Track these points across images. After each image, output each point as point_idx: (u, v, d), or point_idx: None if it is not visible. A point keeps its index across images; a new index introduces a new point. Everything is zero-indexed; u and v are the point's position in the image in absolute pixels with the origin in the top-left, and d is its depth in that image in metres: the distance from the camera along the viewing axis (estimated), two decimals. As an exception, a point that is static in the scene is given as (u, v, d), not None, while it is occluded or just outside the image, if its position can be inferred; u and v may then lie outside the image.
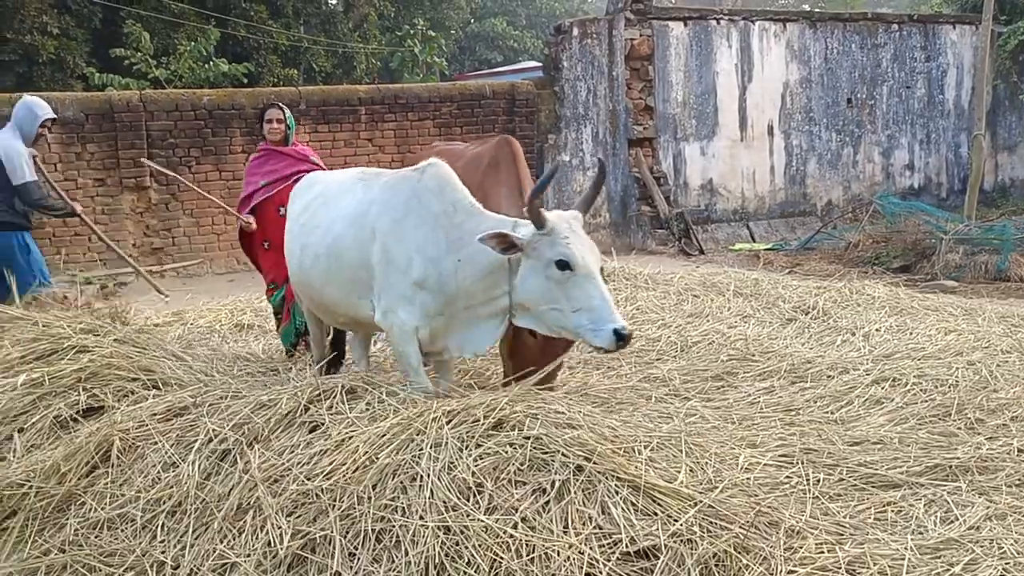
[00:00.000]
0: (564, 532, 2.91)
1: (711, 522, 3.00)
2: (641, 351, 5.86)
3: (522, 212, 3.82)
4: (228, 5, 19.16)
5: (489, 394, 3.55)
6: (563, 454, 3.14)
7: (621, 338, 3.48)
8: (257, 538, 3.10)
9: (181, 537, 3.23)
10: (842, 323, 6.43)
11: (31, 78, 16.73)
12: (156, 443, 3.62)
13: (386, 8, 24.41)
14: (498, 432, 3.26)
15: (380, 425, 3.40)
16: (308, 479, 3.23)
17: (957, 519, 3.38)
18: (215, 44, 16.37)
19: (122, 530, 3.34)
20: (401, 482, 3.11)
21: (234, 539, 3.14)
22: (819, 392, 4.91)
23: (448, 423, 3.31)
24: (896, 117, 14.55)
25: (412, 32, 21.42)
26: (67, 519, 3.45)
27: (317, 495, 3.16)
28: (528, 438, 3.20)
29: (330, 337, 5.07)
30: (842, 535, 3.21)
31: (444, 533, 2.91)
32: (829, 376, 5.18)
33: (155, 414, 3.81)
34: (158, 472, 3.50)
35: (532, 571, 2.81)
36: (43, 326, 4.73)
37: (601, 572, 2.82)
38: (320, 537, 3.03)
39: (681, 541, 2.91)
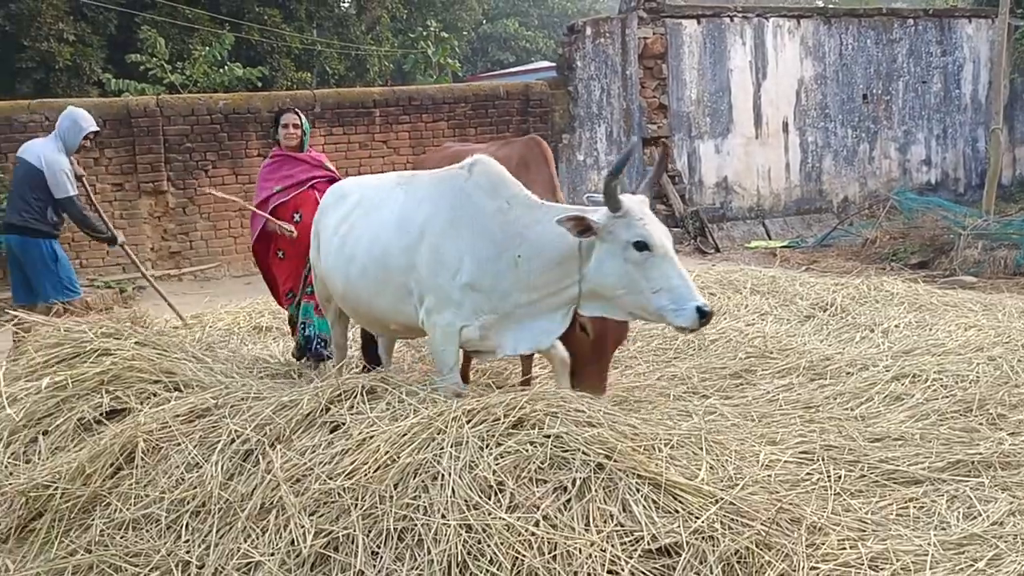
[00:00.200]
0: (586, 530, 2.92)
1: (732, 519, 3.00)
2: (659, 349, 5.86)
3: None
4: (242, 9, 19.27)
5: (508, 393, 3.56)
6: (584, 452, 3.14)
7: (703, 315, 3.44)
8: (280, 537, 3.13)
9: (205, 537, 3.26)
10: (861, 320, 6.41)
11: (48, 85, 16.88)
12: (179, 444, 3.66)
13: (398, 10, 24.50)
14: (518, 431, 3.27)
15: (401, 424, 3.42)
16: (330, 478, 3.25)
17: (980, 515, 3.36)
18: (229, 48, 16.44)
19: (147, 530, 3.37)
20: (423, 481, 3.12)
21: (258, 538, 3.17)
22: (839, 389, 4.90)
23: (468, 422, 3.32)
24: (912, 112, 14.47)
25: (425, 34, 21.45)
26: (93, 520, 3.49)
27: (339, 494, 3.18)
28: (548, 436, 3.21)
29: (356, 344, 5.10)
30: (864, 531, 3.21)
31: (466, 531, 2.93)
32: (848, 373, 5.16)
33: (178, 415, 3.84)
34: (182, 473, 3.53)
35: (554, 569, 2.82)
36: (65, 330, 4.77)
37: (623, 570, 2.82)
38: (343, 536, 3.05)
39: (702, 538, 2.91)
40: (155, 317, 5.68)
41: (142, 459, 3.65)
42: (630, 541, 2.91)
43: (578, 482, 3.06)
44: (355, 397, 3.77)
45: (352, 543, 3.02)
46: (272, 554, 3.09)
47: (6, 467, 3.91)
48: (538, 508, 2.98)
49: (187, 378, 4.40)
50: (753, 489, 3.23)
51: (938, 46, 14.53)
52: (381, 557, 2.97)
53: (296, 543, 3.08)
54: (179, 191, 10.70)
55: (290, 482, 3.32)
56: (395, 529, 3.01)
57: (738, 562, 2.90)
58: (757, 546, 2.92)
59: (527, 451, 3.16)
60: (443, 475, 3.10)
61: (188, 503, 3.40)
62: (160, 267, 10.59)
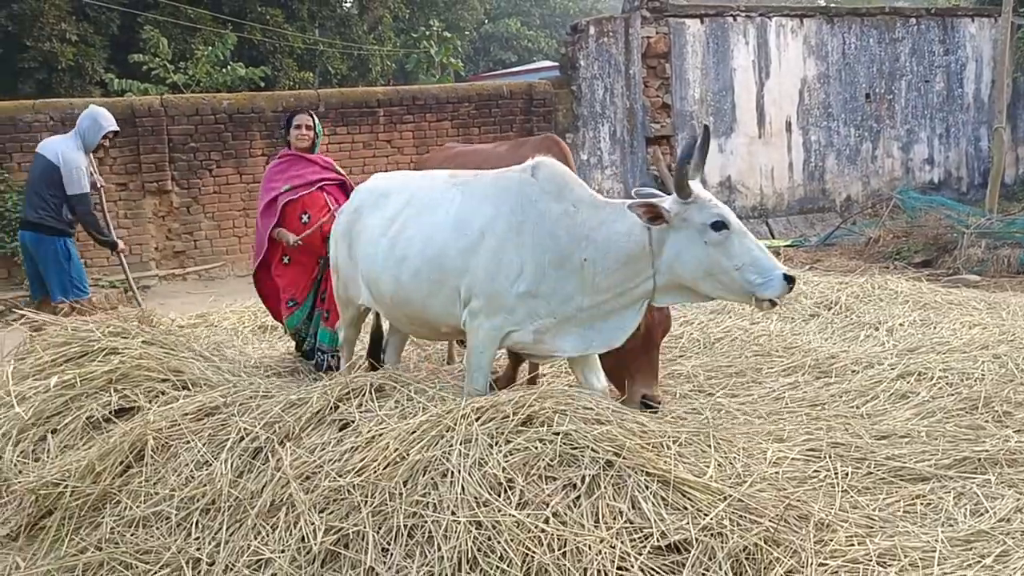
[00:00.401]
0: (595, 526, 2.93)
1: (741, 516, 3.01)
2: (665, 348, 5.86)
3: None
4: (244, 9, 19.30)
5: (518, 391, 3.57)
6: (592, 449, 3.16)
7: (790, 281, 3.44)
8: (291, 534, 3.14)
9: (215, 534, 3.28)
10: (865, 318, 6.42)
11: (51, 85, 16.91)
12: (189, 442, 3.67)
13: (400, 10, 24.52)
14: (527, 428, 3.28)
15: (410, 422, 3.44)
16: (340, 476, 3.27)
17: (987, 511, 3.37)
18: (231, 48, 16.47)
19: (157, 528, 3.39)
20: (432, 478, 3.14)
21: (268, 535, 3.19)
22: (844, 387, 4.91)
23: (477, 420, 3.33)
24: (915, 111, 14.47)
25: (428, 33, 21.48)
26: (103, 517, 3.51)
27: (349, 491, 3.19)
28: (557, 434, 3.22)
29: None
30: (872, 528, 3.22)
31: (476, 528, 2.94)
32: (854, 371, 5.17)
33: (187, 414, 3.86)
34: (191, 470, 3.55)
35: (564, 565, 2.84)
36: (72, 329, 4.78)
37: (632, 566, 2.84)
38: (353, 533, 3.07)
39: (711, 535, 2.93)
40: (161, 316, 5.69)
41: (152, 457, 3.67)
42: (639, 538, 2.92)
43: (587, 479, 3.07)
44: (364, 395, 3.79)
45: (362, 540, 3.04)
46: (282, 551, 3.10)
47: (15, 465, 3.93)
48: (548, 505, 3.00)
49: (195, 377, 4.42)
50: (761, 486, 3.23)
51: (941, 45, 14.53)
52: (391, 554, 2.98)
53: (306, 540, 3.10)
54: (183, 191, 10.72)
55: (300, 479, 3.33)
56: (405, 526, 3.02)
57: (747, 558, 2.91)
58: (766, 543, 2.94)
59: (536, 448, 3.17)
60: (452, 472, 3.11)
61: (198, 501, 3.42)
62: (164, 267, 10.62)
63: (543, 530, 2.90)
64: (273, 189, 5.48)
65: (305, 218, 5.40)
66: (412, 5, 25.69)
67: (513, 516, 2.94)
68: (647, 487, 3.06)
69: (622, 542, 2.89)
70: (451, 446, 3.21)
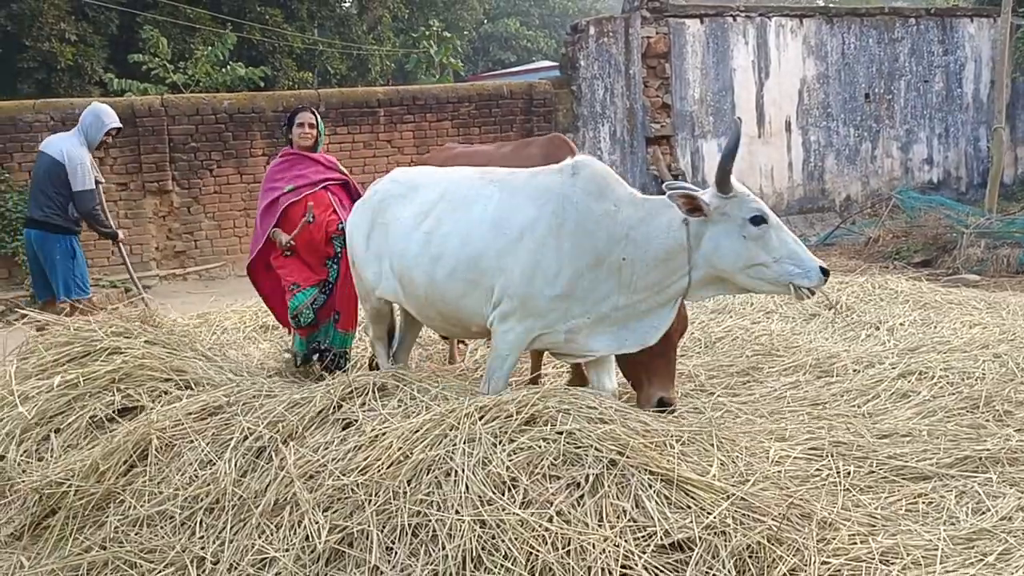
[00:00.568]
0: (599, 525, 2.94)
1: (744, 514, 3.02)
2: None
3: None
4: (243, 9, 19.29)
5: (520, 390, 3.58)
6: (596, 449, 3.17)
7: (826, 273, 3.54)
8: (295, 533, 3.15)
9: (220, 533, 3.29)
10: (866, 318, 6.43)
11: (50, 85, 16.91)
12: (192, 442, 3.68)
13: (400, 10, 24.52)
14: (531, 427, 3.29)
15: (413, 421, 3.45)
16: (343, 475, 3.27)
17: (989, 510, 3.38)
18: (231, 48, 16.47)
19: (161, 527, 3.40)
20: (436, 477, 3.15)
21: (272, 534, 3.19)
22: (845, 386, 4.92)
23: (481, 419, 3.34)
24: (914, 112, 14.49)
25: (428, 33, 21.48)
26: (107, 517, 3.51)
27: (353, 490, 3.20)
28: (561, 433, 3.23)
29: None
30: (874, 526, 3.23)
31: (480, 527, 2.95)
32: (855, 370, 5.18)
33: (190, 413, 3.87)
34: (195, 470, 3.56)
35: (568, 564, 2.84)
36: (75, 329, 4.79)
37: (636, 564, 2.84)
38: (357, 532, 3.07)
39: (715, 533, 2.94)
40: (164, 316, 5.68)
41: (156, 456, 3.67)
42: (643, 536, 2.93)
43: (591, 478, 3.08)
44: (367, 394, 3.80)
45: (367, 539, 3.04)
46: (287, 550, 3.11)
47: (19, 465, 3.93)
48: (552, 504, 3.01)
49: (198, 376, 4.42)
50: (764, 485, 3.25)
51: (940, 45, 14.55)
52: (396, 552, 2.99)
53: (311, 539, 3.11)
54: (184, 191, 10.72)
55: (303, 478, 3.34)
56: (409, 525, 3.03)
57: (750, 557, 2.92)
58: (769, 541, 2.95)
59: (540, 447, 3.18)
60: (456, 471, 3.12)
61: (202, 500, 3.42)
62: (165, 267, 10.62)
63: (547, 529, 2.91)
64: (275, 189, 5.35)
65: (309, 217, 5.26)
66: (411, 5, 25.68)
67: (517, 515, 2.95)
68: (650, 486, 3.08)
69: (626, 541, 2.90)
70: (455, 445, 3.22)
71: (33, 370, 4.50)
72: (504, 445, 3.20)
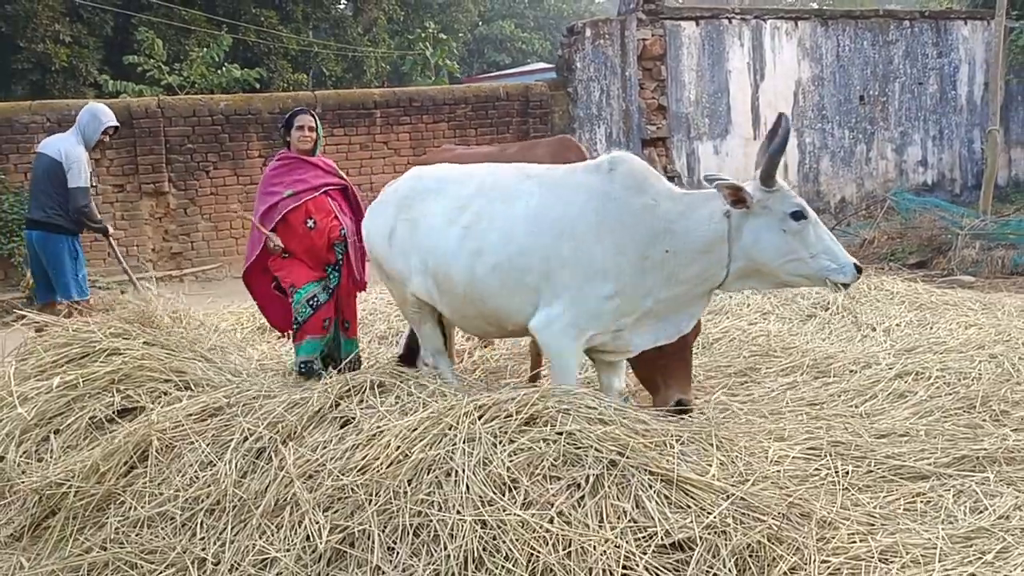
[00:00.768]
0: (600, 526, 2.95)
1: (744, 514, 3.03)
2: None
3: None
4: (238, 11, 19.29)
5: (519, 389, 3.59)
6: (596, 449, 3.17)
7: (859, 270, 3.65)
8: (296, 533, 3.15)
9: (220, 534, 3.28)
10: (862, 318, 6.45)
11: (44, 86, 16.88)
12: (193, 443, 3.68)
13: (395, 12, 24.52)
14: (531, 428, 3.29)
15: (410, 419, 3.44)
16: (343, 474, 3.27)
17: (986, 509, 3.40)
18: (226, 50, 16.46)
19: (162, 528, 3.40)
20: (436, 477, 3.15)
21: (273, 535, 3.19)
22: (843, 386, 4.94)
23: (480, 418, 3.34)
24: (909, 114, 14.54)
25: (424, 35, 21.48)
26: (107, 518, 3.51)
27: (353, 490, 3.20)
28: (561, 434, 3.23)
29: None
30: (873, 525, 3.25)
31: (481, 527, 2.95)
32: (852, 371, 5.20)
33: (191, 414, 3.87)
34: (196, 471, 3.56)
35: (569, 565, 2.85)
36: (73, 330, 4.78)
37: (637, 565, 2.85)
38: (358, 532, 3.07)
39: (715, 533, 2.95)
40: (162, 317, 5.67)
41: (156, 457, 3.67)
42: (644, 537, 2.94)
43: (591, 479, 3.09)
44: (364, 392, 3.80)
45: (368, 539, 3.04)
46: (288, 550, 3.11)
47: (18, 465, 3.93)
48: (552, 504, 3.01)
49: (197, 377, 4.42)
50: (763, 485, 3.26)
51: (934, 48, 14.60)
52: (397, 553, 2.99)
53: (311, 539, 3.11)
54: (180, 192, 10.72)
55: (303, 478, 3.34)
56: (411, 525, 3.03)
57: (750, 556, 2.93)
58: (769, 540, 2.96)
59: (540, 448, 3.18)
60: (457, 471, 3.12)
61: (203, 501, 3.42)
62: (161, 268, 10.60)
63: (548, 530, 2.91)
64: (274, 194, 5.16)
65: (311, 223, 5.11)
66: (406, 7, 25.69)
67: (518, 516, 2.95)
68: (651, 486, 3.08)
69: (626, 541, 2.90)
70: (455, 445, 3.22)
71: (32, 371, 4.49)
72: (504, 445, 3.20)
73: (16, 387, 4.29)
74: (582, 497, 3.05)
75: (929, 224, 10.43)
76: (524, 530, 2.92)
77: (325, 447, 3.49)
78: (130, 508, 3.51)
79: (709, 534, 2.94)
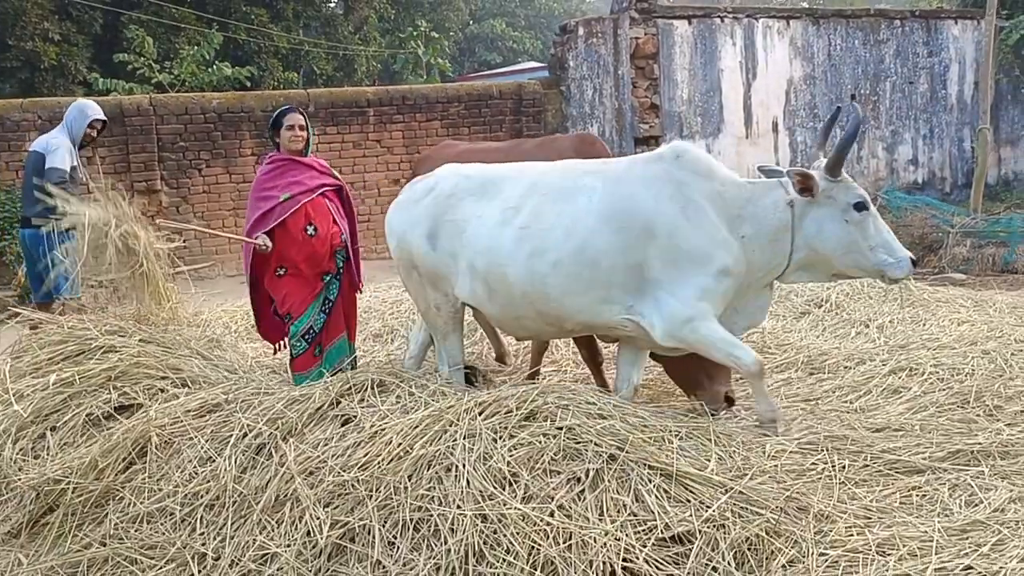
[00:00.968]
0: (600, 519, 2.98)
1: (742, 507, 3.07)
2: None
3: None
4: (229, 9, 19.23)
5: (519, 386, 3.60)
6: (596, 444, 3.20)
7: (915, 263, 3.75)
8: (296, 529, 3.17)
9: (220, 529, 3.29)
10: (855, 315, 6.48)
11: (33, 84, 16.80)
12: (192, 439, 3.68)
13: (386, 11, 24.49)
14: (531, 423, 3.32)
15: (412, 417, 3.47)
16: (344, 471, 3.29)
17: (982, 502, 3.42)
18: (217, 48, 16.42)
19: (161, 524, 3.40)
20: (437, 472, 3.17)
21: (273, 530, 3.21)
22: (838, 383, 4.97)
23: (480, 414, 3.37)
24: (899, 112, 14.60)
25: (415, 34, 21.47)
26: (106, 514, 3.52)
27: (353, 486, 3.22)
28: (561, 428, 3.27)
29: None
30: (870, 518, 3.27)
31: (482, 522, 2.98)
32: (846, 367, 5.23)
33: (189, 410, 3.87)
34: (195, 467, 3.56)
35: (569, 558, 2.87)
36: (69, 328, 4.77)
37: (637, 558, 2.88)
38: (359, 527, 3.09)
39: (714, 526, 2.98)
40: (157, 315, 5.65)
41: (155, 453, 3.67)
42: (644, 530, 2.97)
43: (591, 473, 3.11)
44: (365, 391, 3.81)
45: (368, 534, 3.06)
46: (288, 545, 3.13)
47: (15, 462, 3.92)
48: (553, 498, 3.03)
49: (194, 374, 4.42)
50: (761, 479, 3.28)
51: (925, 47, 14.67)
52: (398, 547, 3.01)
53: (312, 534, 3.12)
54: (172, 190, 10.69)
55: (304, 475, 3.36)
56: (411, 520, 3.05)
57: (749, 549, 2.96)
58: (767, 533, 2.99)
59: (540, 443, 3.21)
60: (457, 466, 3.14)
61: (202, 496, 3.43)
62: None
63: (548, 523, 2.94)
64: (269, 199, 4.85)
65: (311, 230, 4.85)
66: (397, 5, 25.65)
67: (519, 510, 2.98)
68: (650, 480, 3.11)
69: (626, 534, 2.93)
70: (455, 440, 3.24)
71: (27, 368, 4.48)
72: (504, 441, 3.23)
73: (11, 384, 4.28)
74: (582, 491, 3.08)
75: (920, 222, 10.49)
76: (525, 523, 2.94)
77: (326, 444, 3.51)
78: (129, 504, 3.51)
79: (708, 527, 2.97)
